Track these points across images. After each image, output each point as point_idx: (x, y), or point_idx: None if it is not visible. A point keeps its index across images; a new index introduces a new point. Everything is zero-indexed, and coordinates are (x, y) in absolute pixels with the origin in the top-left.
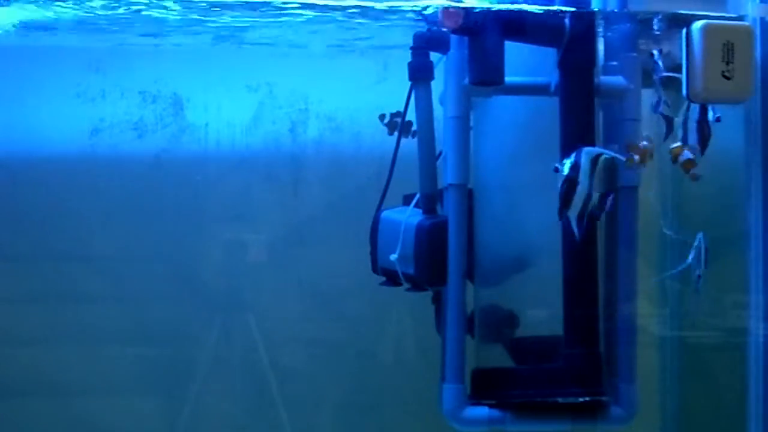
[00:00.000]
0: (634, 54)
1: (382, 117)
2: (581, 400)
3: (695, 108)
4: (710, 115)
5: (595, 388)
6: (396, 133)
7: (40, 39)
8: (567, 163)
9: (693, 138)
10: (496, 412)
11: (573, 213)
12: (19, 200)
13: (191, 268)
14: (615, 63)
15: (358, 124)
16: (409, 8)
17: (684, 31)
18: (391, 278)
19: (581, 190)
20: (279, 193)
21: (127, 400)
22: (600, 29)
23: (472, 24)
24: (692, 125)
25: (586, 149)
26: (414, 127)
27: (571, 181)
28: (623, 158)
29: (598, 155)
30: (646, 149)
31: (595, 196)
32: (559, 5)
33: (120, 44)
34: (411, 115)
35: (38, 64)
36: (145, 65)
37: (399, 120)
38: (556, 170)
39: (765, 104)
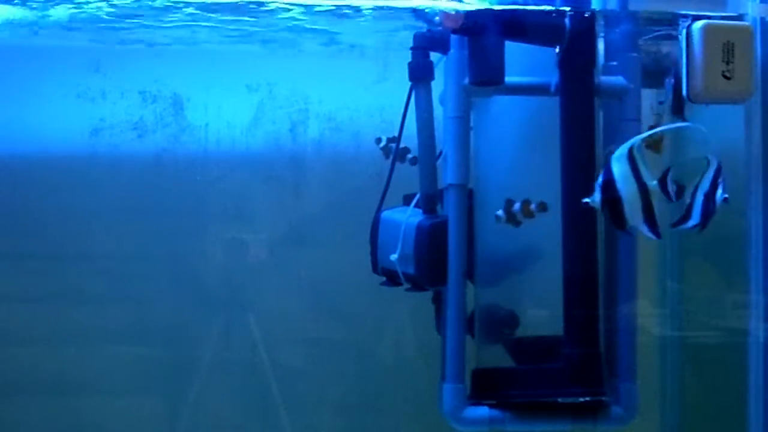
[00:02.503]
0: (634, 54)
1: (378, 140)
2: (581, 400)
3: (706, 179)
4: (719, 194)
5: (596, 388)
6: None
7: (40, 39)
8: (596, 189)
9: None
10: (496, 412)
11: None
12: (19, 200)
13: (191, 267)
14: (615, 63)
15: (358, 124)
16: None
17: (684, 31)
18: (391, 278)
19: (629, 194)
20: (279, 193)
21: (127, 399)
22: (600, 29)
23: (472, 24)
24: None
25: (614, 156)
26: (411, 154)
27: (612, 202)
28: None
29: (630, 149)
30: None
31: (653, 185)
32: (559, 5)
33: (120, 44)
34: (411, 117)
35: (38, 64)
36: (145, 65)
37: (394, 145)
38: (586, 205)
39: (765, 104)
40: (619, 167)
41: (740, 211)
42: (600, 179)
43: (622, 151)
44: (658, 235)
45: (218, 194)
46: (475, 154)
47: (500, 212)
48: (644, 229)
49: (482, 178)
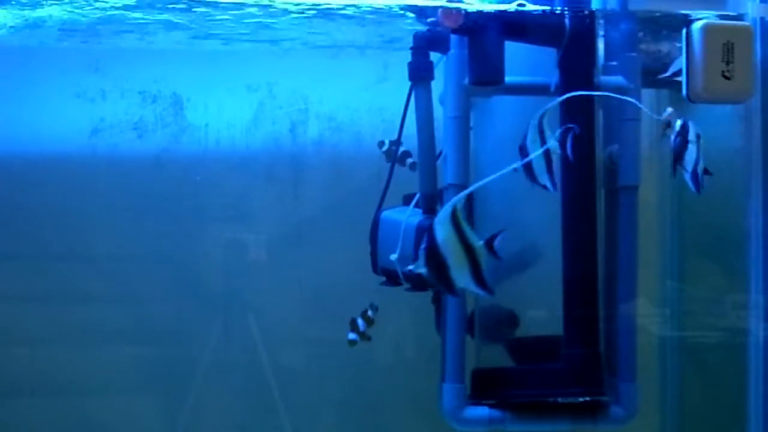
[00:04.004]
0: (634, 54)
1: (381, 144)
2: (581, 400)
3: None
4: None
5: (595, 388)
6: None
7: (40, 39)
8: (420, 255)
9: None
10: (496, 412)
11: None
12: (19, 200)
13: (191, 268)
14: (615, 63)
15: (358, 124)
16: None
17: (684, 31)
18: (391, 278)
19: (455, 258)
20: (279, 193)
21: (127, 399)
22: (600, 29)
23: (471, 24)
24: None
25: (437, 220)
26: (411, 159)
27: (438, 267)
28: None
29: (452, 211)
30: None
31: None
32: (558, 5)
33: (120, 44)
34: (411, 117)
35: (38, 64)
36: (145, 65)
37: (396, 149)
38: (410, 272)
39: (765, 104)
40: (442, 231)
41: (740, 211)
42: (423, 245)
43: (444, 214)
44: (490, 291)
45: (218, 194)
46: (475, 154)
47: (353, 335)
48: (475, 289)
49: (482, 178)
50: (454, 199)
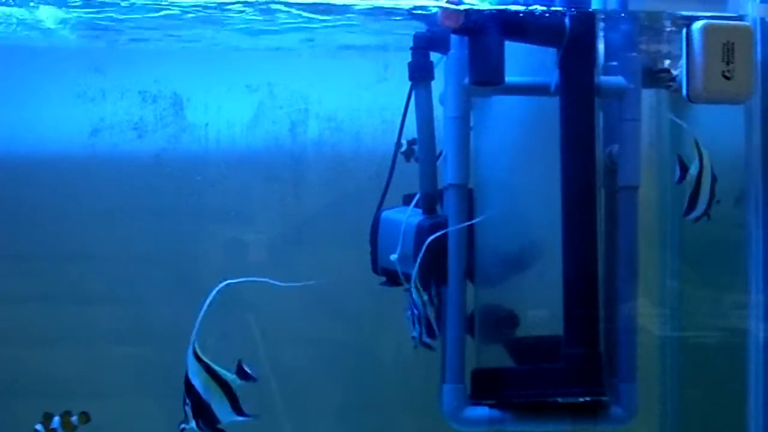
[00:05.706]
0: (634, 54)
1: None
2: (581, 400)
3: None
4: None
5: (596, 388)
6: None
7: (40, 39)
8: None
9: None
10: (496, 412)
11: None
12: (19, 200)
13: (191, 267)
14: (615, 63)
15: (358, 124)
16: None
17: (684, 31)
18: (391, 278)
19: (212, 393)
20: (279, 193)
21: (127, 399)
22: (600, 29)
23: (472, 24)
24: None
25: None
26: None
27: (198, 404)
28: None
29: (193, 349)
30: None
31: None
32: (559, 5)
33: (120, 44)
34: (411, 117)
35: (38, 64)
36: (145, 65)
37: (416, 148)
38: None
39: (765, 104)
40: (198, 379)
41: (740, 212)
42: (186, 400)
43: (192, 366)
44: (253, 416)
45: (218, 194)
46: (475, 154)
47: (39, 426)
48: (237, 419)
49: (482, 178)
50: (192, 339)
